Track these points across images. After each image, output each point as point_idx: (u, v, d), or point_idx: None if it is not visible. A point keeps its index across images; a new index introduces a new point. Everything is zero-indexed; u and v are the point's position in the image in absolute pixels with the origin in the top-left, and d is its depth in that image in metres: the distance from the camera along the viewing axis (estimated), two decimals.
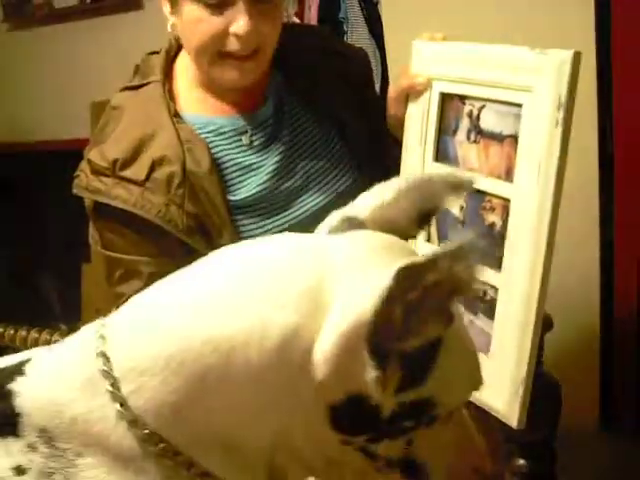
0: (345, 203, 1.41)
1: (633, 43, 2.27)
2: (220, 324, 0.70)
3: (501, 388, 1.11)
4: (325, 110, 1.46)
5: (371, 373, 0.67)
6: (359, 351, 0.66)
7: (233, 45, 1.28)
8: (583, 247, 2.46)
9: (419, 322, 0.66)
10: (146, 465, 0.72)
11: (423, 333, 0.67)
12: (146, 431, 0.71)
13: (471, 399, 1.14)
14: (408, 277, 0.63)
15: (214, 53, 1.30)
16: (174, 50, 1.44)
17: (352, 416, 0.71)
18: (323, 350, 0.68)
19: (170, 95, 1.38)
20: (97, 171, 1.30)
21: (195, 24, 1.28)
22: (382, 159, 1.49)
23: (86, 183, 1.31)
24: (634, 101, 2.32)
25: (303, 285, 0.70)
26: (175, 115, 1.35)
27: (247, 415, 0.71)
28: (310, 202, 1.40)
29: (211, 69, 1.33)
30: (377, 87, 2.63)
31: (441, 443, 0.79)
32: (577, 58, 1.01)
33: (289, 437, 0.72)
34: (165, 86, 1.38)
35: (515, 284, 1.08)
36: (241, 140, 1.39)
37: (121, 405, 0.71)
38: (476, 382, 0.79)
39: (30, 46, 3.33)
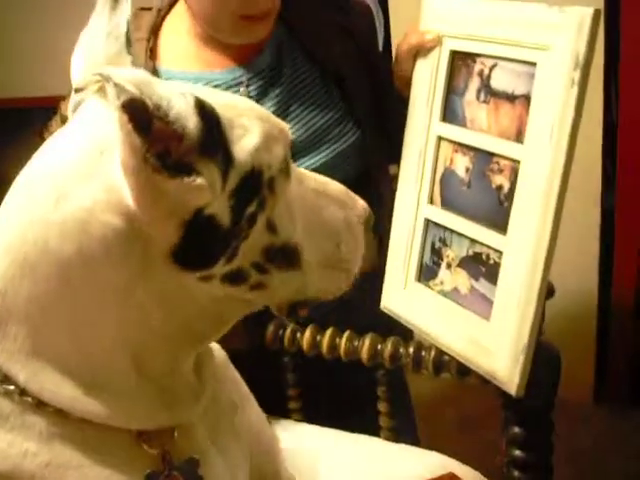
0: (346, 161, 1.40)
1: None
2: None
3: (501, 355, 1.09)
4: (328, 65, 1.42)
5: (190, 183, 0.65)
6: (159, 180, 0.64)
7: (252, 9, 1.26)
8: (583, 215, 2.45)
9: (176, 114, 0.63)
10: (28, 419, 0.70)
11: (186, 120, 0.64)
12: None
13: (470, 366, 1.14)
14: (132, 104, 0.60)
15: (233, 16, 1.27)
16: (165, 10, 1.41)
17: (198, 244, 0.69)
18: (131, 197, 0.66)
19: (152, 53, 1.35)
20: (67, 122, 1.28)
21: None
22: (384, 117, 1.46)
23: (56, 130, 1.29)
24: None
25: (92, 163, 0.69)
26: (153, 73, 1.31)
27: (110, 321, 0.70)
28: (310, 160, 1.37)
29: (228, 32, 1.31)
30: (380, 44, 2.61)
31: (307, 206, 0.81)
32: (597, 16, 0.97)
33: (146, 319, 0.71)
34: (149, 43, 1.35)
35: (521, 249, 1.05)
36: (238, 92, 1.35)
37: None
38: (274, 125, 0.78)
39: (22, 4, 3.26)
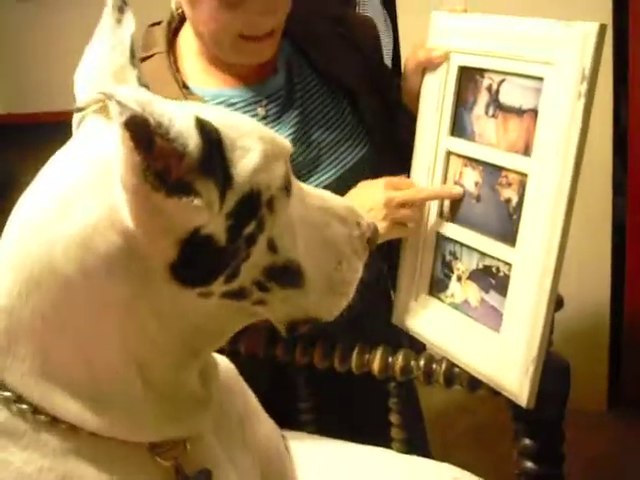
0: (357, 175, 1.41)
1: None
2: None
3: (511, 367, 1.10)
4: (335, 79, 1.43)
5: (188, 202, 0.66)
6: (157, 198, 0.64)
7: (252, 30, 1.25)
8: (595, 226, 2.44)
9: (177, 132, 0.64)
10: (42, 437, 0.71)
11: (186, 139, 0.65)
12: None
13: (481, 378, 1.15)
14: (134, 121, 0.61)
15: (234, 37, 1.26)
16: (176, 22, 1.40)
17: (196, 261, 0.70)
18: (129, 215, 0.66)
19: (176, 67, 1.35)
20: None
21: (215, 11, 1.23)
22: (394, 131, 1.47)
23: None
24: None
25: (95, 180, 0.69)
26: (184, 87, 1.32)
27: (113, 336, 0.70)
28: (324, 175, 1.38)
29: (231, 52, 1.30)
30: (389, 59, 2.62)
31: (310, 223, 0.81)
32: (602, 30, 0.98)
33: (146, 334, 0.72)
34: (170, 58, 1.35)
35: (530, 261, 1.06)
36: (255, 111, 1.35)
37: None
38: (274, 144, 0.78)
39: (39, 16, 3.29)
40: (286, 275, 0.78)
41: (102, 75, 0.81)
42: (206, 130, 0.67)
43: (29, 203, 0.73)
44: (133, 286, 0.70)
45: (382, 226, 1.21)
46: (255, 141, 0.75)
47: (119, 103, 0.60)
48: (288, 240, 0.78)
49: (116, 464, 0.73)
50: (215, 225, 0.70)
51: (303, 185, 0.86)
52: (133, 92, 0.63)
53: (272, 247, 0.76)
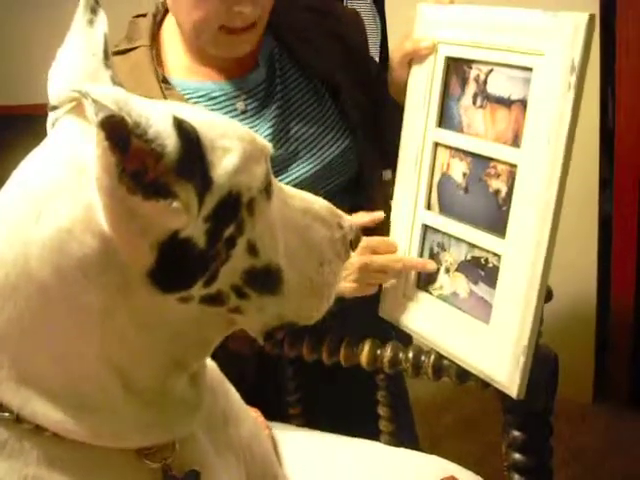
0: (338, 169, 1.40)
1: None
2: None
3: (501, 358, 1.10)
4: (319, 73, 1.42)
5: (165, 205, 0.64)
6: (133, 201, 0.62)
7: (235, 21, 1.24)
8: (582, 219, 2.45)
9: (155, 132, 0.62)
10: (25, 445, 0.69)
11: (164, 139, 0.63)
12: None
13: (471, 370, 1.15)
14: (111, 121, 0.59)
15: (215, 29, 1.25)
16: (161, 14, 1.39)
17: (174, 264, 0.68)
18: (105, 218, 0.64)
19: (158, 60, 1.34)
20: None
21: (196, 1, 1.23)
22: (378, 125, 1.46)
23: None
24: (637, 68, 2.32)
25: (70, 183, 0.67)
26: (163, 81, 1.31)
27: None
28: (303, 168, 1.37)
29: (212, 44, 1.29)
30: (377, 54, 2.61)
31: (291, 225, 0.80)
32: (592, 21, 0.98)
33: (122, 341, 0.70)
34: (153, 51, 1.34)
35: (520, 252, 1.06)
36: (234, 105, 1.35)
37: None
38: (254, 144, 0.76)
39: (22, 12, 3.26)
40: (265, 280, 0.76)
41: (76, 75, 0.78)
42: (185, 130, 0.65)
43: (2, 205, 0.70)
44: (110, 291, 0.67)
45: (352, 287, 1.22)
46: (234, 141, 0.73)
47: (95, 102, 0.58)
48: (269, 242, 0.76)
49: (103, 470, 0.72)
50: (194, 228, 0.68)
51: (284, 186, 0.84)
52: (109, 90, 0.61)
53: (252, 250, 0.74)
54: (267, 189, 0.76)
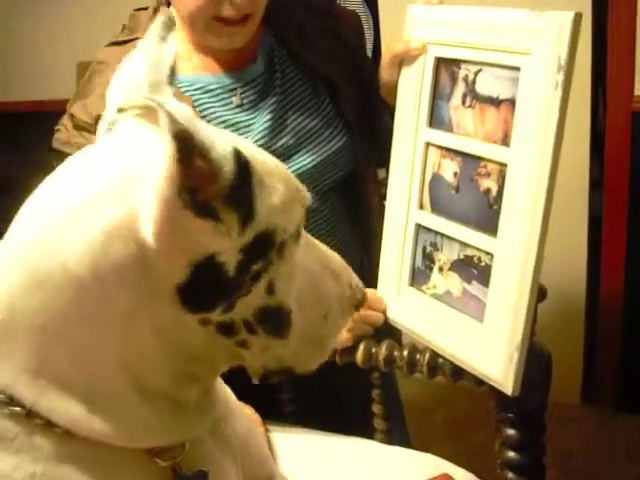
0: (336, 165, 1.41)
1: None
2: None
3: (496, 356, 1.10)
4: (316, 70, 1.44)
5: (211, 227, 0.66)
6: (184, 216, 0.64)
7: (228, 11, 1.26)
8: (572, 219, 2.46)
9: (217, 155, 0.64)
10: (35, 441, 0.69)
11: (223, 164, 0.65)
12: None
13: (465, 368, 1.15)
14: (182, 135, 0.61)
15: (209, 18, 1.27)
16: (161, 7, 1.41)
17: (203, 285, 0.69)
18: (152, 227, 0.65)
19: None
20: (79, 126, 1.29)
21: None
22: (372, 123, 1.48)
23: (67, 138, 1.30)
24: (628, 70, 2.33)
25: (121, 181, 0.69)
26: None
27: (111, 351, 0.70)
28: (301, 162, 1.39)
29: (205, 33, 1.31)
30: (369, 53, 2.62)
31: (308, 273, 0.81)
32: (577, 20, 0.99)
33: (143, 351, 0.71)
34: None
35: (511, 250, 1.07)
36: (230, 99, 1.37)
37: None
38: (296, 190, 0.78)
39: (20, 7, 3.27)
40: (274, 320, 0.78)
41: (140, 84, 0.81)
42: (242, 160, 0.67)
43: (48, 197, 0.72)
44: (140, 298, 0.69)
45: (347, 338, 1.26)
46: (280, 182, 0.75)
47: (169, 114, 0.60)
48: (286, 285, 0.78)
49: (113, 468, 0.72)
50: (229, 255, 0.69)
51: (308, 235, 0.86)
52: (181, 107, 0.63)
53: (270, 289, 0.76)
54: (297, 234, 0.78)
